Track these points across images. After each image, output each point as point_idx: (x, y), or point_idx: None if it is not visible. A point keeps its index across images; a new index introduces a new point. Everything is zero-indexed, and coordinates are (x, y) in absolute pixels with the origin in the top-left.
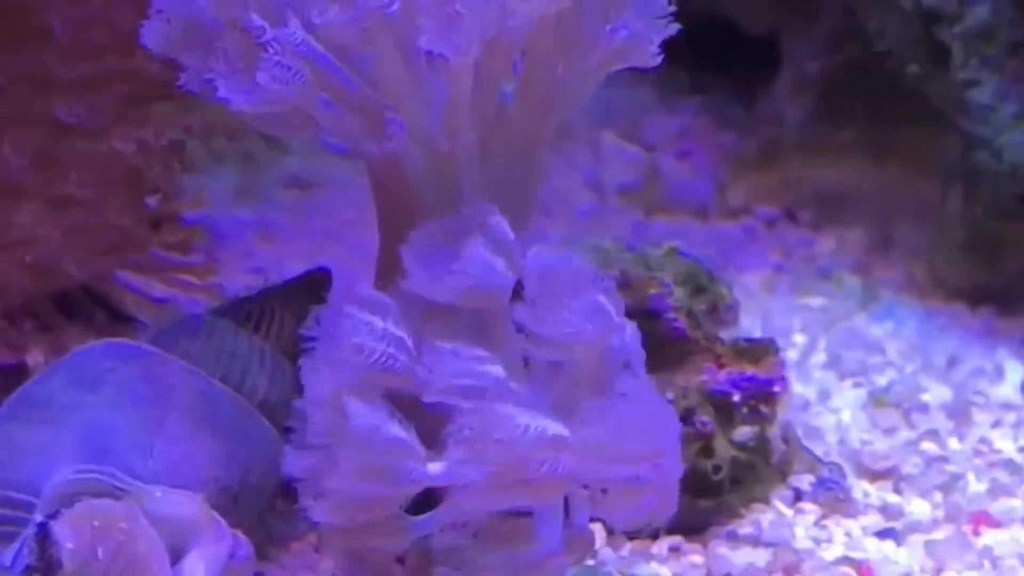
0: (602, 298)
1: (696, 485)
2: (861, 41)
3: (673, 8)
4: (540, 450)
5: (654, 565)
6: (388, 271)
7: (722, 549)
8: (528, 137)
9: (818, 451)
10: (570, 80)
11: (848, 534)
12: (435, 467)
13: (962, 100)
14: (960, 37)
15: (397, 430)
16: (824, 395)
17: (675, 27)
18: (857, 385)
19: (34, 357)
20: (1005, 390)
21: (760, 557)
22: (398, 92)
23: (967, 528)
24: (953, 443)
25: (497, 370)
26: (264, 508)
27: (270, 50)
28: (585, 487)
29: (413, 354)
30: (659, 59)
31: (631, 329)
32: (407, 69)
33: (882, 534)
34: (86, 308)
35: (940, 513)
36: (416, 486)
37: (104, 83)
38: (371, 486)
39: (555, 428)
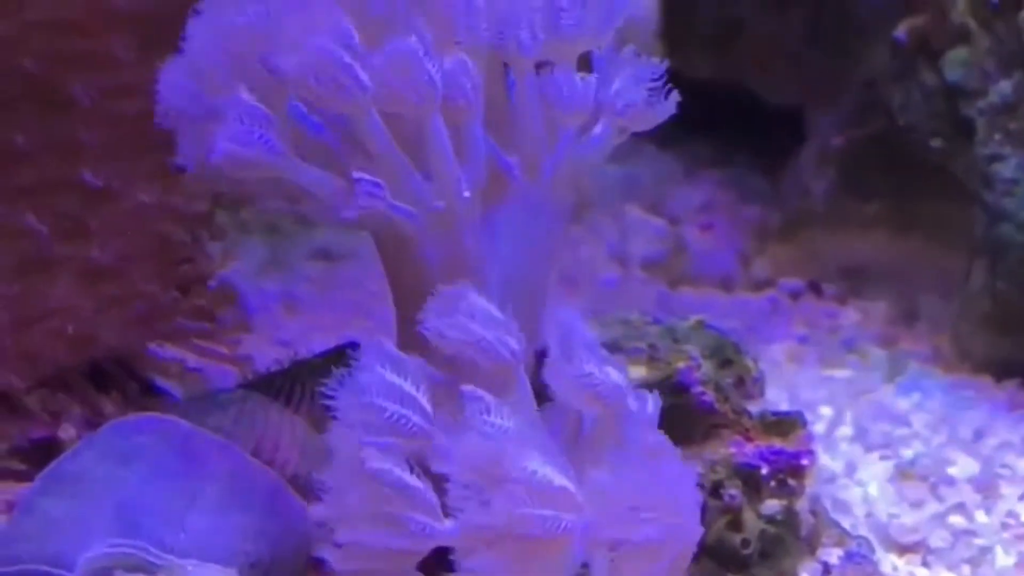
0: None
1: (725, 559)
2: (885, 115)
3: (665, 71)
4: (545, 499)
5: None
6: (405, 339)
7: None
8: (540, 208)
9: (846, 524)
10: (574, 151)
11: None
12: (448, 523)
13: (986, 174)
14: (983, 112)
15: (411, 479)
16: (851, 468)
17: (673, 93)
18: (884, 458)
19: (66, 431)
20: None
21: None
22: (385, 156)
23: None
24: (980, 516)
25: (511, 421)
26: None
27: (229, 112)
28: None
29: (428, 414)
30: (658, 122)
31: (652, 395)
32: (391, 130)
33: None
34: (118, 379)
35: None
36: (427, 540)
37: (131, 150)
38: (382, 534)
39: (561, 480)
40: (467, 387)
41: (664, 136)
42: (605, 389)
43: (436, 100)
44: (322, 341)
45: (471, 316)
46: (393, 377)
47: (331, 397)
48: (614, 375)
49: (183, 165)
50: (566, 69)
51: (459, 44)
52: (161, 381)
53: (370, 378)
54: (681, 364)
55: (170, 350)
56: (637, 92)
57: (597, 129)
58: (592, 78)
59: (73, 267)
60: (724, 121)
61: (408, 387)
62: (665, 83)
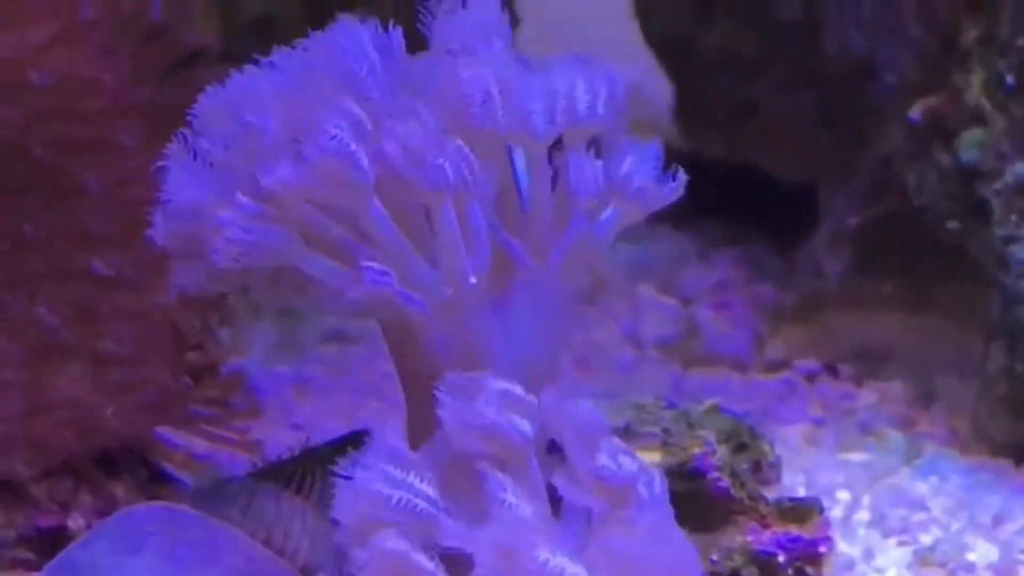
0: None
1: None
2: (900, 195)
3: (663, 151)
4: None
5: None
6: (414, 426)
7: None
8: (549, 293)
9: None
10: (584, 235)
11: None
12: None
13: (1002, 256)
14: (999, 193)
15: (423, 560)
16: (868, 554)
17: (680, 173)
18: (902, 544)
19: (75, 520)
20: None
21: None
22: (390, 244)
23: None
24: None
25: (529, 507)
26: None
27: (233, 208)
28: None
29: (433, 499)
30: (667, 204)
31: (659, 476)
32: (394, 215)
33: None
34: (127, 466)
35: None
36: None
37: (141, 237)
38: None
39: (573, 568)
40: (487, 469)
41: (677, 216)
42: (616, 480)
43: (446, 187)
44: (334, 424)
45: (484, 401)
46: (394, 470)
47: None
48: (627, 464)
49: (181, 286)
50: (578, 153)
51: (473, 130)
52: (171, 468)
53: (371, 475)
54: (696, 450)
55: (180, 436)
56: (646, 174)
57: (607, 213)
58: (602, 162)
59: (82, 355)
60: (737, 200)
61: (411, 478)
62: (673, 164)
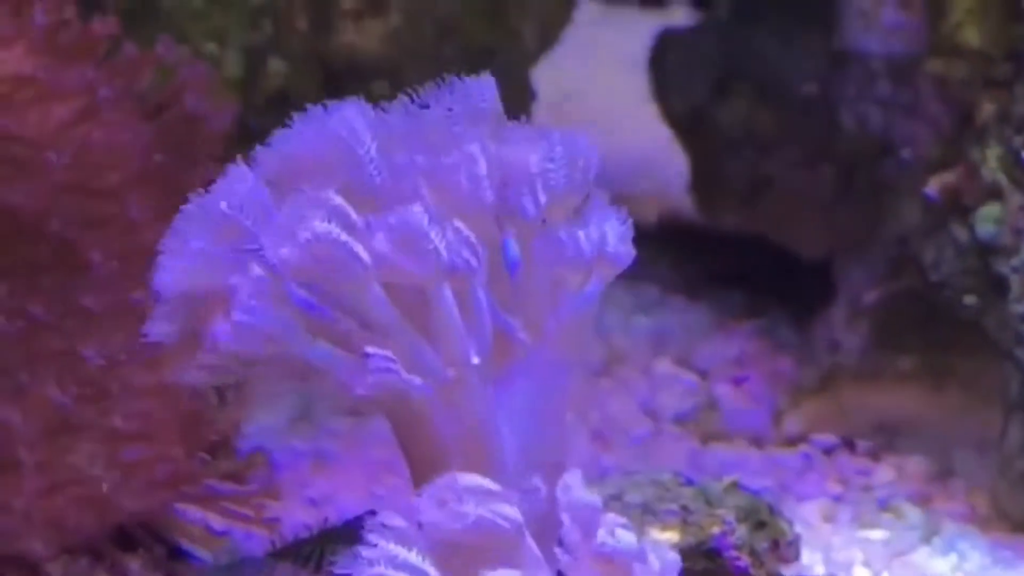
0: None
1: None
2: (917, 270)
3: (629, 215)
4: None
5: None
6: None
7: None
8: (548, 368)
9: None
10: (574, 306)
11: None
12: None
13: (1019, 332)
14: (1016, 269)
15: None
16: None
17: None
18: None
19: None
20: None
21: None
22: (391, 329)
23: None
24: None
25: None
26: None
27: (241, 287)
28: None
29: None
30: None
31: (665, 552)
32: (391, 299)
33: None
34: (143, 542)
35: None
36: None
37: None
38: None
39: None
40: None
41: (693, 287)
42: (617, 555)
43: (442, 271)
44: (350, 499)
45: (460, 499)
46: (398, 550)
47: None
48: (626, 537)
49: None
50: (566, 227)
51: (464, 212)
52: (187, 545)
53: (375, 553)
54: (715, 529)
55: (196, 512)
56: (620, 238)
57: (593, 281)
58: (584, 231)
59: (96, 433)
60: (753, 272)
61: (415, 558)
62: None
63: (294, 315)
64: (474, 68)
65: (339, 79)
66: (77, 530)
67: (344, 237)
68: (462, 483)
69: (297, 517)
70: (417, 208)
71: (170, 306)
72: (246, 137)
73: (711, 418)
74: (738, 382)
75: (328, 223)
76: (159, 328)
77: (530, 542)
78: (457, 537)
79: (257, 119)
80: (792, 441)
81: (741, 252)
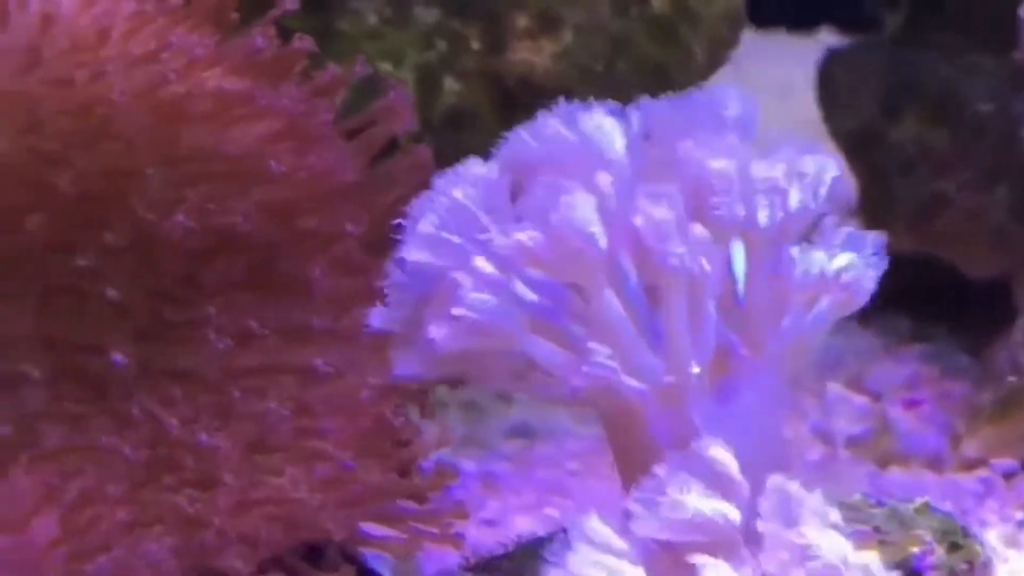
0: None
1: None
2: None
3: (884, 244)
4: None
5: None
6: None
7: None
8: (765, 387)
9: None
10: (799, 327)
11: None
12: None
13: None
14: None
15: None
16: None
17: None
18: None
19: None
20: None
21: None
22: (616, 328)
23: None
24: None
25: None
26: None
27: (468, 280)
28: None
29: None
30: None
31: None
32: (622, 302)
33: None
34: (333, 561)
35: None
36: None
37: (353, 330)
38: None
39: None
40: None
41: (862, 310)
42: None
43: (686, 273)
44: (523, 521)
45: (682, 491)
46: (603, 556)
47: None
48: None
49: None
50: (797, 245)
51: (709, 220)
52: (376, 563)
53: (581, 559)
54: (915, 549)
55: (385, 531)
56: (860, 266)
57: (823, 304)
58: (820, 253)
59: (296, 452)
60: (922, 295)
61: (620, 563)
62: (878, 255)
63: (518, 310)
64: (647, 85)
65: (513, 97)
66: (270, 547)
67: (592, 228)
68: (687, 477)
69: (473, 537)
70: (674, 205)
71: (399, 293)
72: None
73: (886, 441)
74: (911, 405)
75: (577, 211)
76: (385, 316)
77: (744, 549)
78: (672, 535)
79: (431, 138)
80: (971, 465)
81: (909, 274)
